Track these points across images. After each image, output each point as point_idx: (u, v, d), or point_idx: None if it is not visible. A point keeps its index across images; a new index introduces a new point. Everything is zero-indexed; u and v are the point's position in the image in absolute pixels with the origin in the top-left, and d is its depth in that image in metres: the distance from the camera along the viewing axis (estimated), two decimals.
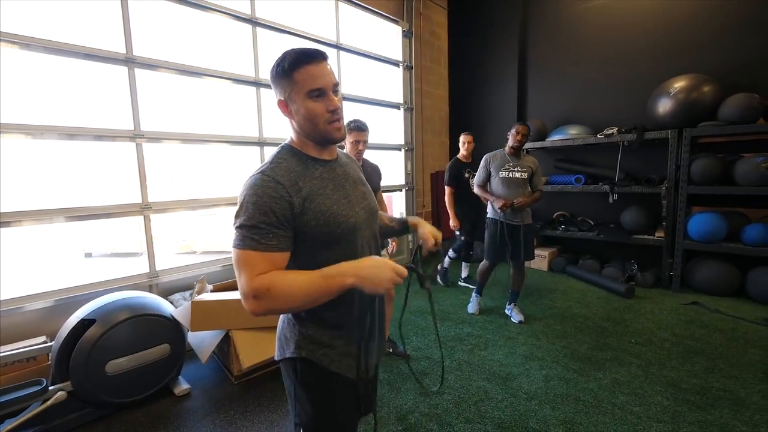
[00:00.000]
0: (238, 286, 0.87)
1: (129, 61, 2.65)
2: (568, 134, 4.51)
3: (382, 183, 2.78)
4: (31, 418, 1.83)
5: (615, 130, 4.15)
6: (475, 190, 3.29)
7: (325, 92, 0.93)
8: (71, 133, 2.48)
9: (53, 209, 2.45)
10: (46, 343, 2.17)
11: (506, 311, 3.37)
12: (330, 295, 0.89)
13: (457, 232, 3.96)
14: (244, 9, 3.33)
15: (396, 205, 5.46)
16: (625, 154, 4.24)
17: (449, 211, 3.86)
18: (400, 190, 5.24)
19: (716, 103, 3.54)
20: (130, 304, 2.18)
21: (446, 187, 3.85)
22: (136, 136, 2.71)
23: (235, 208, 0.91)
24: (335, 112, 0.94)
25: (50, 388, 1.89)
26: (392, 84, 5.04)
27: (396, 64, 4.96)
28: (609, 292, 3.88)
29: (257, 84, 3.43)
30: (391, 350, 2.68)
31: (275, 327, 1.14)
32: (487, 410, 2.07)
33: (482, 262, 3.31)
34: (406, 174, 5.23)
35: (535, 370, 2.46)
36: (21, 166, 2.56)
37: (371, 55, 4.60)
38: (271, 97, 3.43)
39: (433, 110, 5.56)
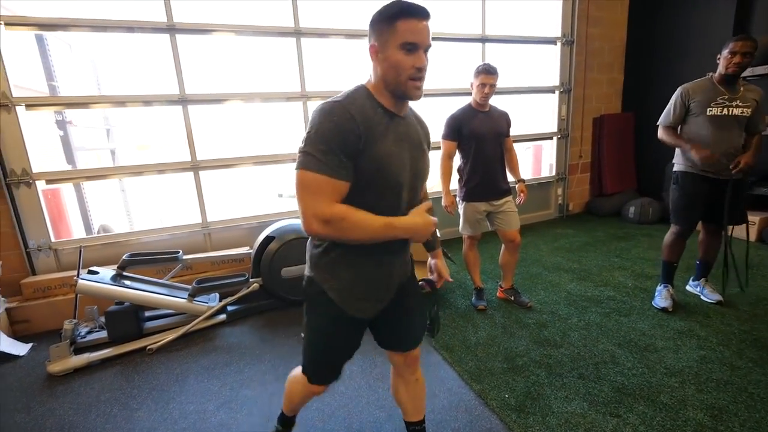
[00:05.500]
0: (303, 206, 0.92)
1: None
2: None
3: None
4: (241, 297, 2.70)
5: None
6: (661, 134, 2.43)
7: (418, 48, 0.94)
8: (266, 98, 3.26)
9: (259, 155, 3.38)
10: (249, 250, 3.07)
11: (691, 288, 2.70)
12: (385, 240, 0.98)
13: None
14: None
15: (545, 156, 4.97)
16: None
17: None
18: (551, 138, 4.72)
19: None
20: (296, 228, 2.83)
21: None
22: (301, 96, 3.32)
23: (306, 130, 0.94)
24: (420, 71, 0.95)
25: (250, 280, 2.73)
26: (548, 15, 4.40)
27: None
28: None
29: None
30: (513, 298, 2.68)
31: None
32: (607, 373, 1.91)
33: (668, 233, 2.49)
34: (560, 120, 4.64)
35: (690, 349, 2.07)
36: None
37: None
38: None
39: (602, 40, 4.63)
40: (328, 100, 0.95)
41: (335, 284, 1.08)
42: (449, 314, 2.56)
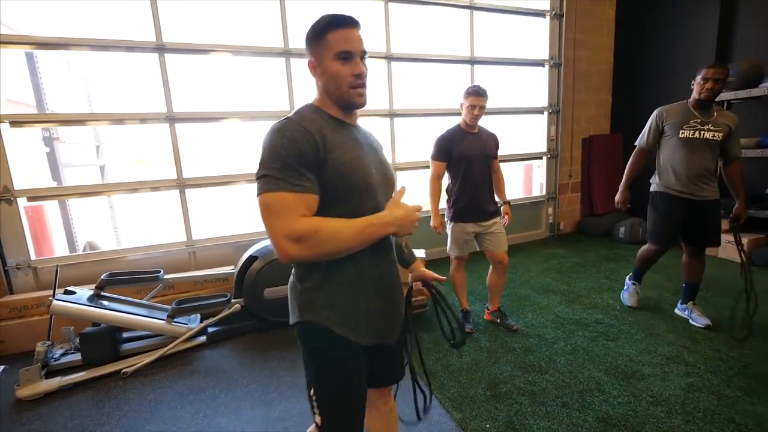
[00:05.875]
0: (271, 230, 0.85)
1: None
2: None
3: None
4: (222, 318, 2.63)
5: None
6: (631, 159, 2.57)
7: (353, 56, 0.94)
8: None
9: (249, 173, 3.37)
10: (233, 269, 3.02)
11: (679, 311, 2.66)
12: (369, 243, 0.92)
13: None
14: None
15: (536, 176, 4.99)
16: None
17: None
18: (540, 158, 4.75)
19: None
20: None
21: None
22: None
23: (260, 154, 0.89)
24: (360, 77, 0.95)
25: (232, 300, 2.67)
26: (536, 39, 4.50)
27: (541, 14, 4.38)
28: None
29: None
30: (499, 321, 2.63)
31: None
32: (592, 401, 1.86)
33: (645, 246, 2.63)
34: (549, 140, 4.68)
35: (677, 376, 2.03)
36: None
37: (511, 10, 4.20)
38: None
39: (590, 63, 4.72)
40: (278, 120, 0.93)
41: (337, 315, 0.98)
42: (434, 337, 2.51)
